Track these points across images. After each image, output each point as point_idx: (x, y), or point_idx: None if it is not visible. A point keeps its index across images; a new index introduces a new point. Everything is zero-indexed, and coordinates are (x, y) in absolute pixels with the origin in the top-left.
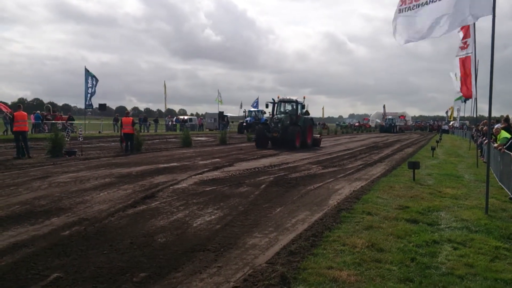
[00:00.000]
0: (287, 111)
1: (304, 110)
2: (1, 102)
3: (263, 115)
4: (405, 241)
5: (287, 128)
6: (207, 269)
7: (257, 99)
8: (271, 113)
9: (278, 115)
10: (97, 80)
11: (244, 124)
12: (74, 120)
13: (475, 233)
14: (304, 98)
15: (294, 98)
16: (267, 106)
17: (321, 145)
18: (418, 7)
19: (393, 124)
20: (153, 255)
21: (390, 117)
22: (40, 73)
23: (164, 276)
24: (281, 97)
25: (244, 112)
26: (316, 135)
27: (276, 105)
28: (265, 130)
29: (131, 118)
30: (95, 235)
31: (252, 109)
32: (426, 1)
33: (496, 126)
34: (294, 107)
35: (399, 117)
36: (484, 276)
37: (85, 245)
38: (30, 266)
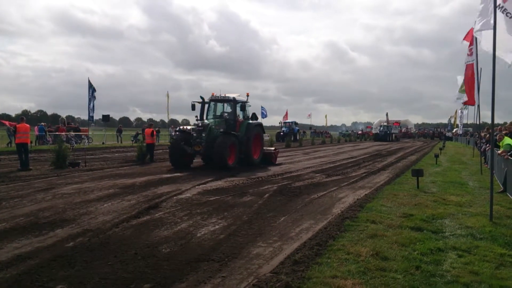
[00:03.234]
0: (225, 115)
1: (250, 114)
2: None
3: (295, 126)
4: (409, 249)
5: (214, 140)
6: (212, 279)
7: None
8: (198, 118)
9: (206, 121)
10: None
11: (281, 134)
12: (79, 131)
13: (480, 241)
14: (247, 95)
15: (232, 95)
16: (193, 108)
17: (277, 161)
18: None
19: (388, 132)
20: (158, 265)
21: (385, 124)
22: (45, 85)
23: (168, 286)
24: (216, 95)
25: (279, 123)
26: (270, 149)
27: (207, 106)
28: (183, 143)
29: (151, 129)
30: (99, 246)
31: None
32: None
33: (499, 133)
34: (232, 108)
35: (393, 123)
36: (490, 283)
37: (89, 256)
38: (34, 278)
